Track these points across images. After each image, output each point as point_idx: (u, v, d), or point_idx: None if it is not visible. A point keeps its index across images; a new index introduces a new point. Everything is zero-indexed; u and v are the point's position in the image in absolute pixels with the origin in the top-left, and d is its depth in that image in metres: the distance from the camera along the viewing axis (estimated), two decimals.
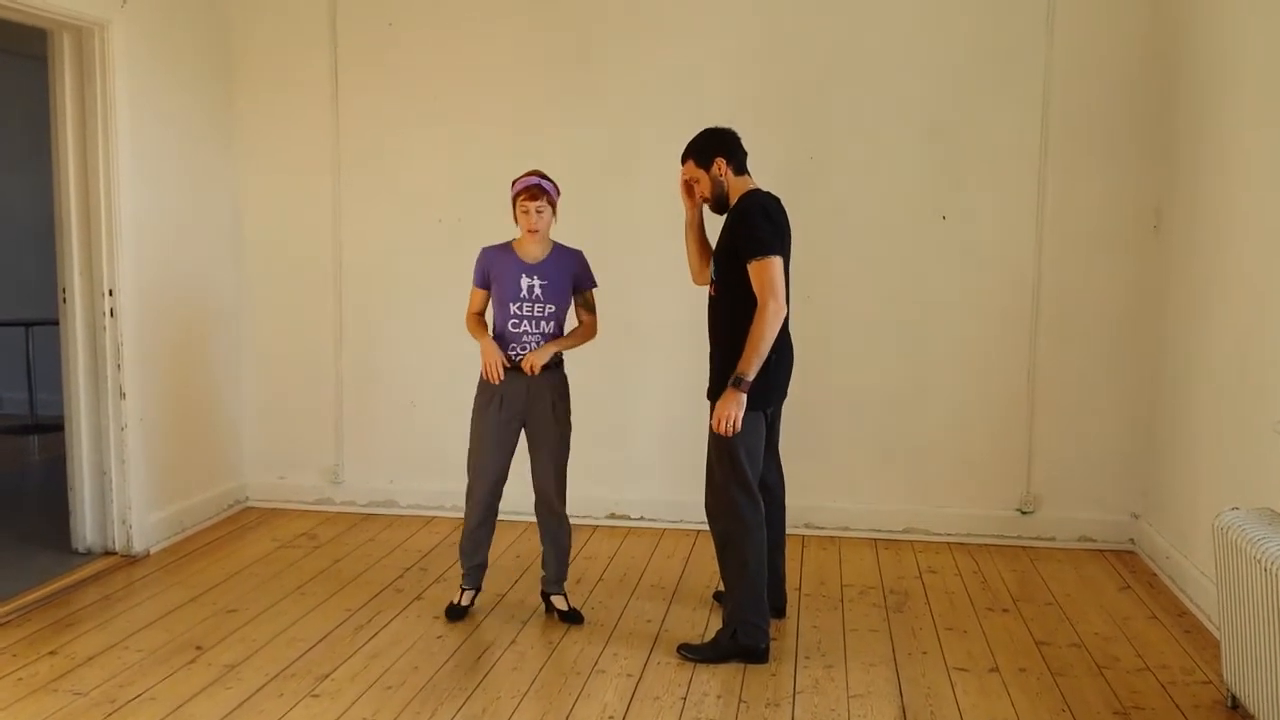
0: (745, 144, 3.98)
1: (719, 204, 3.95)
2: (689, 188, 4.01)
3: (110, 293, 4.82)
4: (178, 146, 5.26)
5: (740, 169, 3.94)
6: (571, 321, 4.25)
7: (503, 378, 4.05)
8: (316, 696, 3.55)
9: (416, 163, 5.48)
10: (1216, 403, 4.24)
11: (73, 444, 4.97)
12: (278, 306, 5.77)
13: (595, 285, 4.26)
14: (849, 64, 5.18)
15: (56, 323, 5.03)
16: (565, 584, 4.33)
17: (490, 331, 4.17)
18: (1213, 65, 4.34)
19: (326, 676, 3.71)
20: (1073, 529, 5.20)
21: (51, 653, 3.88)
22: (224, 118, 5.62)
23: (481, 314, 4.23)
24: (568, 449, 4.22)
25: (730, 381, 3.67)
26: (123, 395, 4.88)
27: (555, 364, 4.17)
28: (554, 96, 5.41)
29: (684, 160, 3.99)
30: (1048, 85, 5.04)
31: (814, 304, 5.03)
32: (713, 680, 3.70)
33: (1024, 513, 5.25)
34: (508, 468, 4.21)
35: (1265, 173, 3.84)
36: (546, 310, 4.10)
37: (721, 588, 4.07)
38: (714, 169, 3.91)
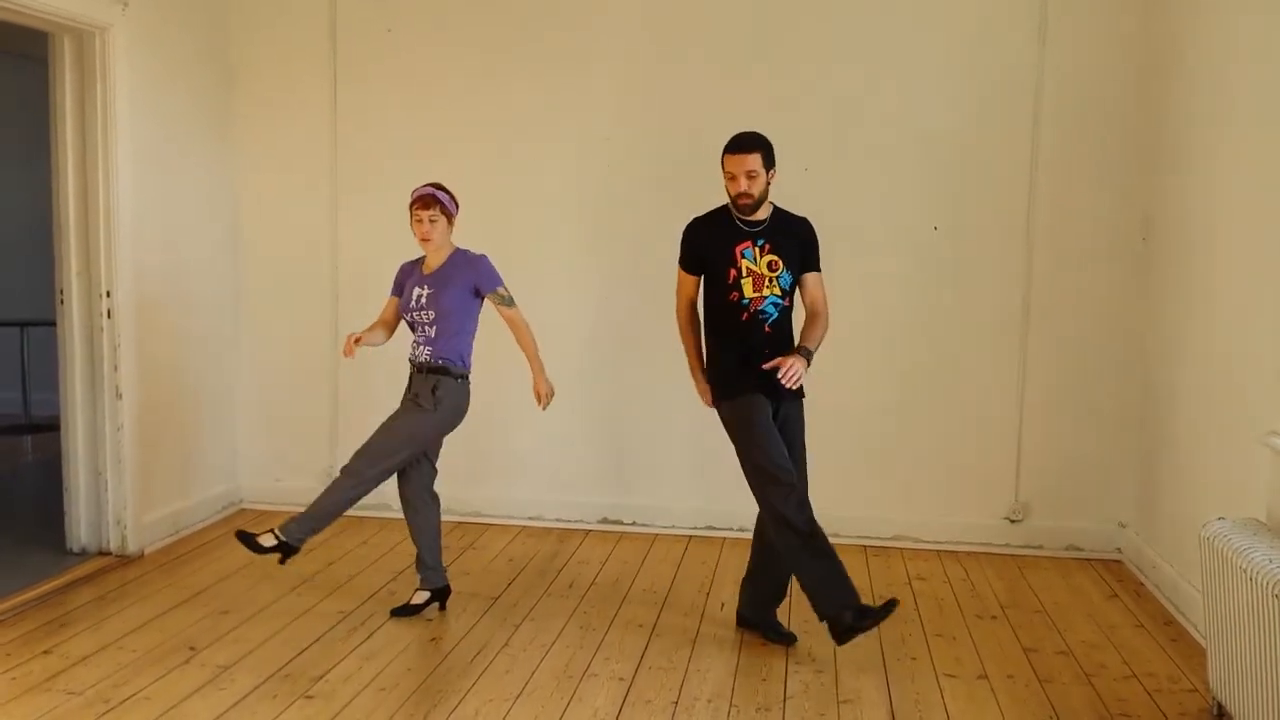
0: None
1: (754, 208, 3.93)
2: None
3: (108, 294, 4.85)
4: (177, 149, 5.29)
5: None
6: (498, 327, 4.35)
7: (350, 354, 4.18)
8: (310, 698, 3.57)
9: (414, 167, 5.49)
10: (1204, 413, 4.29)
11: (68, 444, 4.99)
12: (274, 309, 5.80)
13: (499, 284, 4.26)
14: (842, 75, 5.22)
15: (52, 323, 5.05)
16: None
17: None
18: (1202, 80, 4.39)
19: (320, 678, 3.73)
20: (1061, 538, 5.24)
21: (46, 652, 3.90)
22: (223, 122, 5.65)
23: (384, 321, 4.38)
24: (402, 435, 4.21)
25: (805, 352, 3.86)
26: (119, 396, 4.90)
27: (434, 368, 4.21)
28: (551, 102, 5.45)
29: (749, 151, 3.86)
30: (1039, 98, 5.09)
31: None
32: (704, 684, 3.73)
33: (1012, 521, 5.28)
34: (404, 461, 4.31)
35: (1252, 187, 3.89)
36: (429, 316, 4.21)
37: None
38: (770, 174, 3.93)
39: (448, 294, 4.20)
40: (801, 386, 3.97)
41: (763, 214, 3.98)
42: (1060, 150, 5.10)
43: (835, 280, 5.20)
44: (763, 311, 3.94)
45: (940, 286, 5.25)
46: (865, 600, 3.90)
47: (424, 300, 4.21)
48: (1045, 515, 5.26)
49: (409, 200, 4.23)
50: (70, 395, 4.95)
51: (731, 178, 3.89)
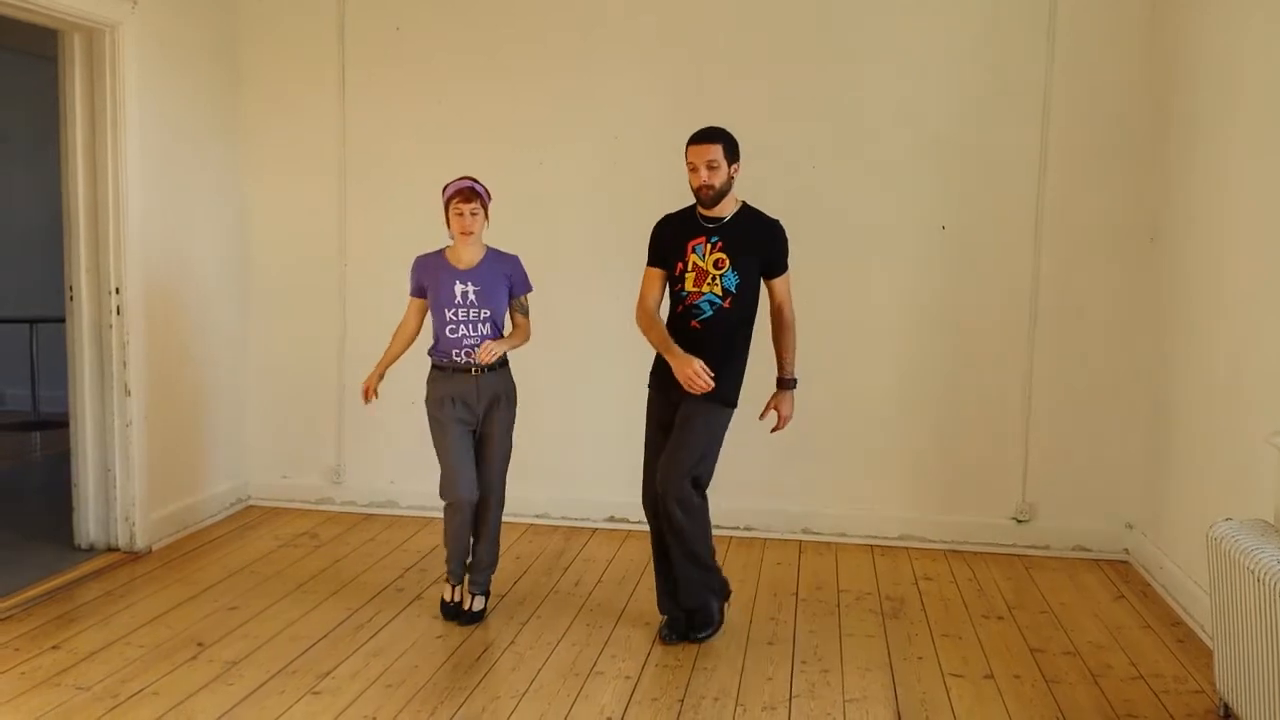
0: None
1: (715, 199, 3.92)
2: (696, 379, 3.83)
3: (117, 291, 4.86)
4: (186, 147, 5.31)
5: None
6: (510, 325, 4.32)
7: (373, 398, 4.36)
8: (317, 694, 3.58)
9: (422, 165, 5.52)
10: (1211, 414, 4.28)
11: (77, 441, 5.01)
12: (282, 306, 5.82)
13: (530, 290, 4.31)
14: (852, 74, 5.22)
15: (60, 320, 5.07)
16: (487, 585, 4.36)
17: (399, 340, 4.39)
18: (1210, 79, 4.38)
19: (327, 674, 3.74)
20: (1068, 538, 5.23)
21: (54, 647, 3.92)
22: (232, 119, 5.66)
23: (406, 330, 4.35)
24: (510, 448, 4.30)
25: (791, 384, 4.09)
26: (128, 393, 4.92)
27: (503, 363, 4.23)
28: (560, 100, 5.46)
29: (710, 141, 3.89)
30: (1047, 97, 5.08)
31: (812, 312, 5.06)
32: (710, 683, 3.73)
33: (1020, 521, 5.28)
34: (474, 465, 4.25)
35: (1260, 186, 3.88)
36: (482, 314, 4.17)
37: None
38: (733, 167, 3.93)
39: (498, 290, 4.19)
40: (716, 390, 3.91)
41: (725, 211, 3.98)
42: (1068, 150, 5.09)
43: (840, 279, 5.24)
44: (696, 307, 3.95)
45: (947, 286, 5.25)
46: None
47: (474, 298, 4.15)
48: (1052, 515, 5.26)
49: (444, 194, 4.19)
50: (79, 392, 4.97)
51: (693, 169, 3.92)
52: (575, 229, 5.51)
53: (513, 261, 4.27)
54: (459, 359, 4.17)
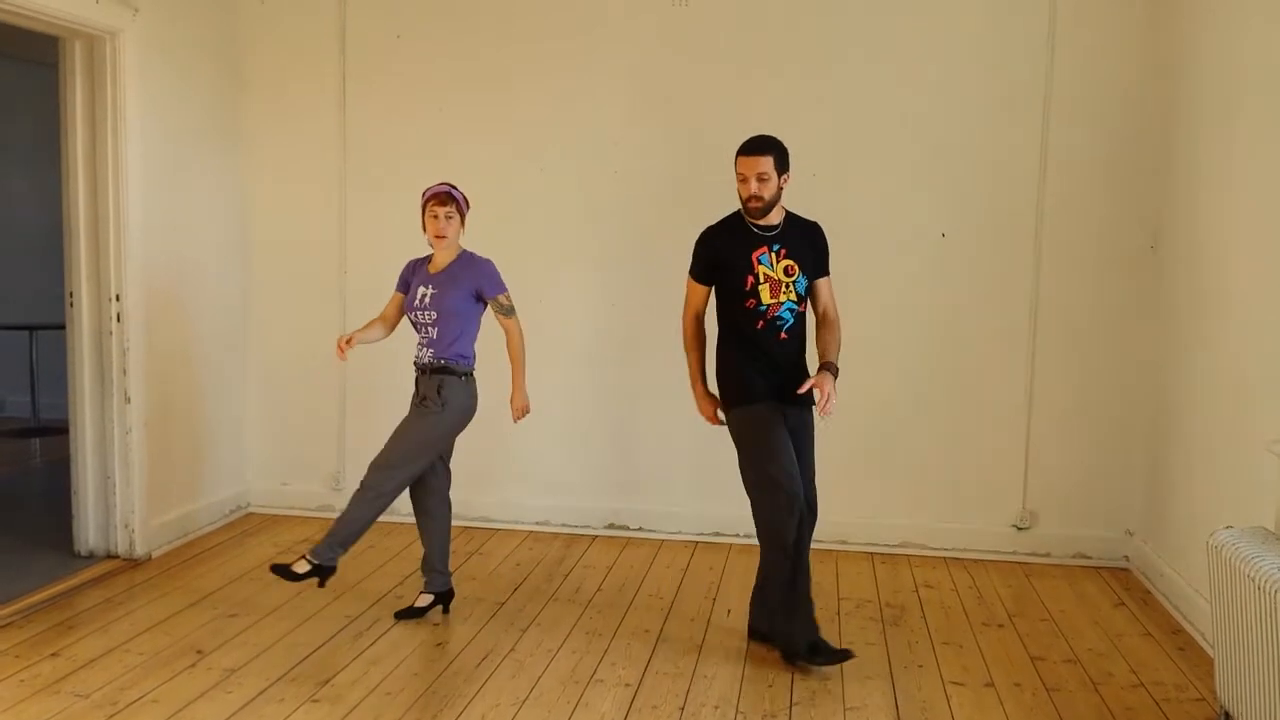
0: None
1: (764, 211, 3.88)
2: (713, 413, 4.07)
3: (117, 298, 4.87)
4: (186, 154, 5.31)
5: None
6: (495, 334, 4.32)
7: (343, 356, 4.28)
8: (317, 701, 3.58)
9: (422, 171, 5.50)
10: (1211, 422, 4.28)
11: (77, 447, 5.00)
12: (282, 314, 5.82)
13: (501, 290, 4.26)
14: (852, 76, 5.23)
15: (61, 327, 5.08)
16: (431, 584, 4.40)
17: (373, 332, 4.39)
18: (1211, 86, 4.39)
19: (327, 682, 3.73)
20: (1068, 546, 5.23)
21: (54, 654, 3.91)
22: (232, 127, 5.67)
23: (385, 317, 4.40)
24: (415, 441, 4.19)
25: (835, 370, 3.94)
26: (128, 400, 4.92)
27: (438, 369, 4.20)
28: (560, 106, 5.46)
29: (760, 153, 3.83)
30: (1047, 104, 5.08)
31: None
32: (710, 691, 3.73)
33: (1020, 529, 5.28)
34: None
35: (1261, 191, 3.88)
36: (430, 316, 4.21)
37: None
38: (783, 178, 3.90)
39: (451, 295, 4.20)
40: (812, 393, 3.92)
41: (776, 218, 3.95)
42: (1068, 157, 5.09)
43: (842, 287, 5.21)
44: (779, 318, 3.91)
45: (948, 293, 5.25)
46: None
47: (427, 300, 4.21)
48: (1053, 523, 5.25)
49: (422, 198, 4.24)
50: (79, 398, 4.97)
51: (742, 180, 3.86)
52: (577, 234, 5.51)
53: (481, 265, 4.27)
54: (416, 359, 4.27)
